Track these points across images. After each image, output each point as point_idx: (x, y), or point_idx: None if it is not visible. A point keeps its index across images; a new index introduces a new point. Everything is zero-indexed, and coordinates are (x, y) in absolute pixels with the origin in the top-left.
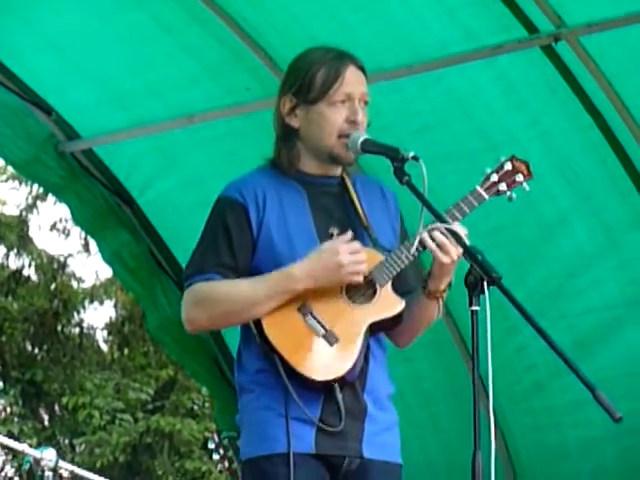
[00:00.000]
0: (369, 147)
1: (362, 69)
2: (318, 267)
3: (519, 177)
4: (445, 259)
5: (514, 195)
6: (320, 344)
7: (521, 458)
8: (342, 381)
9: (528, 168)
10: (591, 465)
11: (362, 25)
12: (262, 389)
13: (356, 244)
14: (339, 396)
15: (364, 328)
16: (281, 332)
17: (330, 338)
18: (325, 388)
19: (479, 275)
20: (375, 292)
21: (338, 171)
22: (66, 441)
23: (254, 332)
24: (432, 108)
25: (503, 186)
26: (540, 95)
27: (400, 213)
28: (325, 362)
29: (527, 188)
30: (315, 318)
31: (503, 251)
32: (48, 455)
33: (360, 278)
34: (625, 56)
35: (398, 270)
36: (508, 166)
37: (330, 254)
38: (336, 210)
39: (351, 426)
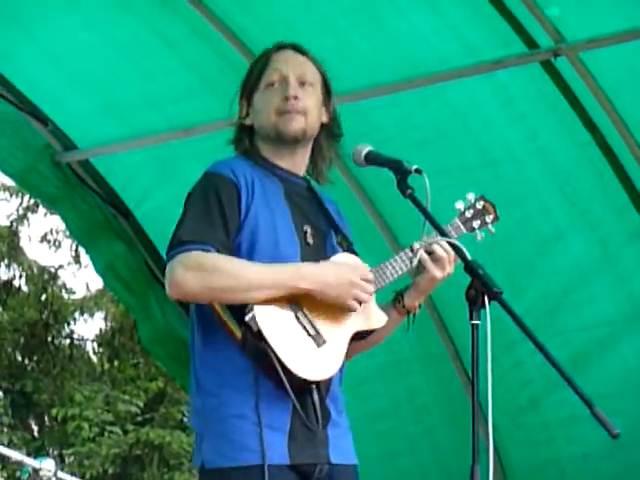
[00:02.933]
0: (373, 159)
1: (303, 52)
2: (329, 274)
3: (488, 218)
4: (438, 274)
5: (482, 235)
6: (308, 343)
7: (515, 473)
8: (318, 384)
9: (495, 210)
10: None
11: (362, 40)
12: (230, 393)
13: (371, 275)
14: (316, 397)
15: (350, 335)
16: (273, 325)
17: (318, 339)
18: (300, 390)
19: (480, 289)
20: (361, 302)
21: (301, 170)
22: (55, 452)
23: (231, 325)
24: (431, 122)
25: (476, 224)
26: (539, 110)
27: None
28: (311, 362)
29: (492, 230)
30: (306, 317)
31: (499, 266)
32: (47, 465)
33: (358, 306)
34: (624, 72)
35: (386, 283)
36: (479, 205)
37: (347, 269)
38: (308, 211)
39: (318, 432)
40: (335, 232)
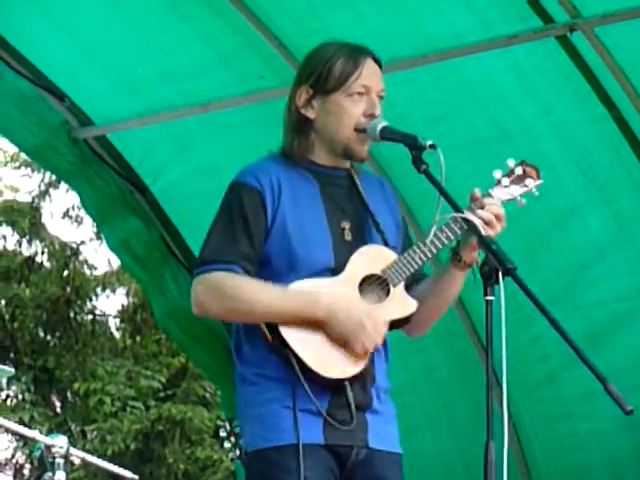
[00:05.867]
0: (388, 134)
1: (379, 63)
2: (345, 311)
3: (529, 182)
4: (491, 232)
5: (524, 201)
6: (334, 341)
7: (533, 448)
8: (353, 378)
9: (538, 173)
10: (602, 457)
11: (377, 15)
12: (267, 382)
13: (384, 324)
14: (350, 394)
15: (385, 326)
16: (298, 328)
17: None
18: (334, 384)
19: (494, 265)
20: (388, 291)
21: (347, 164)
22: (78, 428)
23: (263, 327)
24: (446, 97)
25: (515, 190)
26: (554, 85)
27: (400, 207)
28: (338, 360)
29: (536, 194)
30: None
31: (516, 241)
32: (59, 442)
33: (359, 351)
34: None
35: (412, 270)
36: (519, 171)
37: (364, 312)
38: (346, 203)
39: (357, 418)
40: (373, 222)
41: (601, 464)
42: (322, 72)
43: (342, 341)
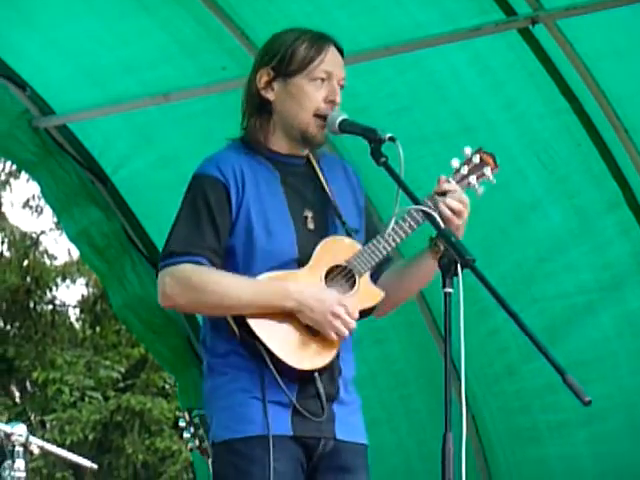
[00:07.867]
0: (347, 127)
1: (341, 52)
2: (316, 298)
3: (487, 170)
4: (457, 222)
5: (482, 189)
6: (303, 333)
7: (491, 441)
8: (321, 369)
9: (495, 160)
10: (561, 449)
11: (339, 6)
12: (237, 372)
13: (356, 311)
14: (320, 385)
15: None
16: (265, 319)
17: (313, 328)
18: (303, 375)
19: (453, 257)
20: (354, 282)
21: (305, 151)
22: (37, 418)
23: (231, 321)
24: (408, 90)
25: (473, 179)
26: (516, 78)
27: (363, 188)
28: (308, 351)
29: (493, 181)
30: None
31: (476, 234)
32: (18, 430)
33: (334, 337)
34: (602, 40)
35: (377, 261)
36: (476, 159)
37: (335, 299)
38: (307, 192)
39: (325, 409)
40: (334, 210)
41: (560, 456)
42: (285, 55)
43: (313, 330)
